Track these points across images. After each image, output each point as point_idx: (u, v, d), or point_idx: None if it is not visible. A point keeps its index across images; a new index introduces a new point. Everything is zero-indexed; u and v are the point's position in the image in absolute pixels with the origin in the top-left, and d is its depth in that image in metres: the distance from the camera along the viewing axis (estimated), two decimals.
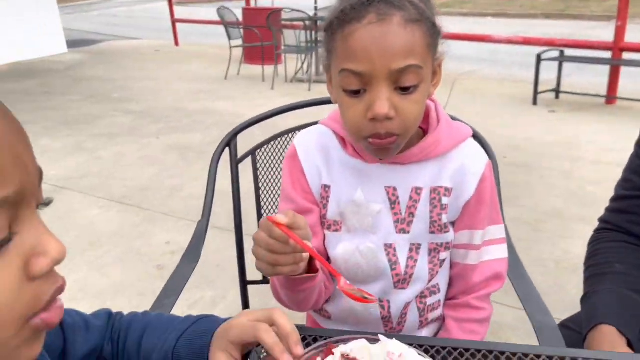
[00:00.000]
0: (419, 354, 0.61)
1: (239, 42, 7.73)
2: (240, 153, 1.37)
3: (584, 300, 1.08)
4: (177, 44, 10.78)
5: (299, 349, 0.62)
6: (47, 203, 0.44)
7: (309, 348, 0.64)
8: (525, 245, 2.62)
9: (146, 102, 6.02)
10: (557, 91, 5.79)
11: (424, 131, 0.99)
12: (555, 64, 5.70)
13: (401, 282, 1.00)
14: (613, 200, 1.16)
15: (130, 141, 4.71)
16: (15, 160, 0.39)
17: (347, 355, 0.61)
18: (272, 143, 1.39)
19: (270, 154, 1.39)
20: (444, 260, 1.02)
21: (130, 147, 4.56)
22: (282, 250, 0.75)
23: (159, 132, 4.95)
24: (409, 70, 0.81)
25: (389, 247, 0.99)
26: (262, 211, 1.39)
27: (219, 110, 5.72)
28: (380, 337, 0.62)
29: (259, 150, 1.38)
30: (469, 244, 1.01)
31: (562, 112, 5.29)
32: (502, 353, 0.76)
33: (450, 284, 1.06)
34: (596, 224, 1.19)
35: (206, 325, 0.70)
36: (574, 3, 15.09)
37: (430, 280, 1.01)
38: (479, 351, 0.77)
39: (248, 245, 1.33)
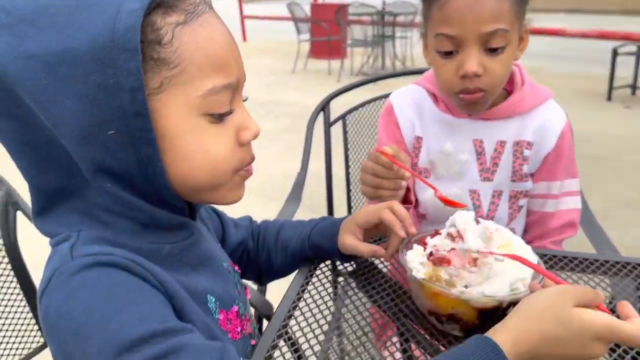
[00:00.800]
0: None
1: (307, 36, 7.96)
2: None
3: None
4: (244, 39, 11.19)
5: (413, 229, 0.77)
6: (245, 99, 0.61)
7: (419, 232, 0.79)
8: None
9: None
10: (633, 87, 5.61)
11: (508, 92, 1.11)
12: (632, 60, 5.52)
13: None
14: None
15: None
16: (236, 59, 0.58)
17: (452, 234, 0.74)
18: (360, 109, 1.55)
19: (359, 120, 1.56)
20: (521, 207, 1.13)
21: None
22: (385, 175, 0.90)
23: None
24: (497, 34, 0.93)
25: (473, 193, 1.11)
26: (349, 169, 1.55)
27: (288, 101, 5.94)
28: (479, 219, 0.75)
29: (348, 115, 1.54)
30: (547, 194, 1.12)
31: (638, 108, 5.13)
32: (575, 258, 0.88)
33: (526, 230, 1.17)
34: None
35: (334, 221, 0.86)
36: None
37: (509, 224, 1.13)
38: (554, 256, 0.89)
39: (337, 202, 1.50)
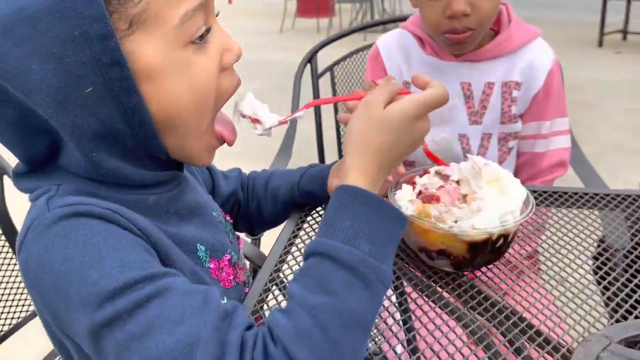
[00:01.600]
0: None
1: None
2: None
3: None
4: (230, 1, 10.92)
5: (402, 168, 0.76)
6: (217, 14, 0.59)
7: (407, 172, 0.78)
8: None
9: None
10: (624, 32, 5.56)
11: (495, 32, 1.09)
12: (623, 6, 5.44)
13: None
14: None
15: None
16: None
17: (440, 172, 0.74)
18: (348, 60, 1.53)
19: (346, 70, 1.53)
20: (511, 149, 1.12)
21: None
22: None
23: None
24: None
25: (462, 137, 1.10)
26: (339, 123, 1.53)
27: (276, 61, 5.85)
28: (468, 155, 0.75)
29: (336, 66, 1.52)
30: (536, 134, 1.11)
31: (629, 53, 5.10)
32: (565, 193, 0.89)
33: (517, 171, 1.17)
34: None
35: (323, 166, 0.85)
36: None
37: (500, 164, 1.12)
38: (544, 192, 0.90)
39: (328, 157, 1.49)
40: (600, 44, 5.39)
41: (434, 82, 0.62)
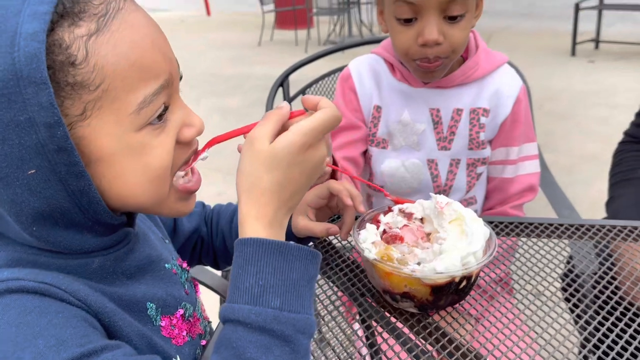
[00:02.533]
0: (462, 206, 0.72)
1: (271, 7, 7.78)
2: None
3: (608, 204, 1.17)
4: (208, 13, 10.90)
5: (362, 208, 0.76)
6: (180, 77, 0.57)
7: (371, 210, 0.78)
8: (561, 186, 2.69)
9: (184, 70, 6.09)
10: (596, 41, 5.67)
11: (463, 59, 1.09)
12: (596, 14, 5.56)
13: (441, 193, 1.12)
14: (639, 114, 1.22)
15: None
16: (163, 56, 0.52)
17: (404, 210, 0.74)
18: (321, 82, 1.53)
19: (319, 93, 1.53)
20: (480, 174, 1.13)
21: None
22: None
23: (199, 97, 5.12)
24: (457, 1, 0.91)
25: (431, 162, 1.11)
26: None
27: (255, 74, 5.84)
28: (431, 194, 0.74)
29: (308, 89, 1.51)
30: (505, 160, 1.12)
31: (602, 62, 5.20)
32: (531, 224, 0.89)
33: (487, 196, 1.17)
34: None
35: None
36: None
37: (467, 192, 1.13)
38: (511, 223, 0.90)
39: None
40: (573, 52, 5.49)
41: (324, 102, 0.57)
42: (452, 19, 0.93)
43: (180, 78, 0.57)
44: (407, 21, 0.95)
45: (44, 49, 0.43)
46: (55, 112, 0.44)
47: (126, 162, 0.50)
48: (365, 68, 1.14)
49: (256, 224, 0.53)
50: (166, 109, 0.52)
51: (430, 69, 0.99)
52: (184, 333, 0.64)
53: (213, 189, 3.12)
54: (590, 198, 2.68)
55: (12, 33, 0.42)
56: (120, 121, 0.48)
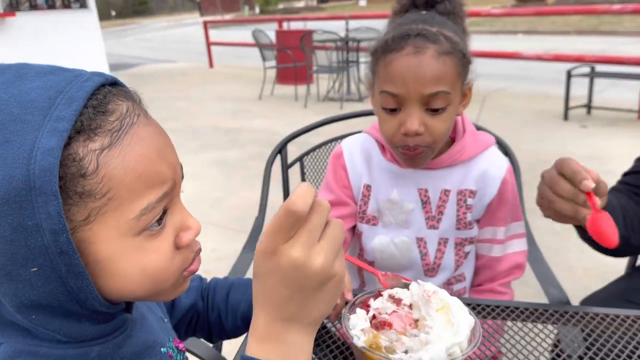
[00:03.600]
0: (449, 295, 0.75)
1: (273, 63, 8.03)
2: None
3: None
4: (211, 65, 11.22)
5: (349, 295, 0.78)
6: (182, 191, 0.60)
7: (362, 293, 0.80)
8: (553, 252, 2.69)
9: (185, 121, 6.33)
10: (588, 106, 5.83)
11: (452, 140, 1.15)
12: (587, 80, 5.74)
13: (430, 270, 1.15)
14: (625, 174, 1.20)
15: None
16: (169, 165, 0.55)
17: (393, 296, 0.76)
18: (318, 150, 1.58)
19: (315, 161, 1.58)
20: (468, 253, 1.16)
21: None
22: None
23: (199, 149, 5.21)
24: (438, 96, 0.97)
25: (420, 241, 1.14)
26: None
27: (255, 128, 5.96)
28: (419, 280, 0.77)
29: (306, 157, 1.57)
30: (492, 239, 1.15)
31: (594, 127, 5.33)
32: (517, 308, 0.91)
33: (476, 273, 1.20)
34: None
35: None
36: (607, 19, 14.98)
37: (456, 270, 1.16)
38: (498, 307, 0.92)
39: None
40: (566, 117, 5.64)
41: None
42: (434, 111, 0.98)
43: (182, 178, 0.60)
44: (392, 110, 1.01)
45: (58, 164, 0.46)
46: (61, 220, 0.46)
47: (123, 264, 0.53)
48: (357, 147, 1.19)
49: (250, 339, 0.54)
50: (165, 212, 0.55)
51: (411, 156, 1.03)
52: None
53: (208, 245, 3.13)
54: (584, 266, 2.69)
55: (30, 147, 0.45)
56: (120, 226, 0.51)
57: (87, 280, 0.50)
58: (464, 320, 0.71)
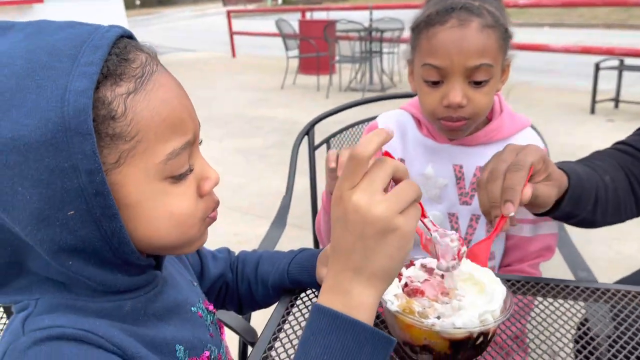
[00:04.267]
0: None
1: (295, 52, 8.03)
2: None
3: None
4: (234, 55, 11.26)
5: None
6: (200, 141, 0.63)
7: None
8: (577, 245, 2.67)
9: (208, 109, 6.38)
10: (616, 100, 5.71)
11: (488, 119, 1.15)
12: (616, 74, 5.63)
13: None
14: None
15: None
16: (189, 115, 0.58)
17: (425, 265, 0.77)
18: (344, 133, 1.59)
19: (343, 144, 1.59)
20: None
21: None
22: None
23: (222, 137, 5.25)
24: (481, 68, 0.98)
25: (452, 216, 1.14)
26: None
27: (277, 117, 5.98)
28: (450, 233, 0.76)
29: (333, 139, 1.57)
30: (523, 219, 1.15)
31: (621, 122, 5.23)
32: (547, 284, 0.91)
33: (505, 254, 1.20)
34: None
35: (312, 252, 0.88)
36: (636, 12, 14.60)
37: None
38: (528, 282, 0.92)
39: None
40: (593, 111, 5.54)
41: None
42: (477, 83, 0.99)
43: (200, 142, 0.62)
44: (435, 83, 1.01)
45: (91, 104, 0.48)
46: (96, 159, 0.48)
47: (152, 208, 0.55)
48: (392, 121, 1.20)
49: (322, 288, 0.55)
50: (190, 171, 0.58)
51: (454, 128, 1.04)
52: None
53: (230, 229, 3.17)
54: (608, 259, 2.66)
55: (62, 90, 0.47)
56: (147, 169, 0.53)
57: (119, 223, 0.52)
58: (498, 289, 0.71)
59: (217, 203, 0.64)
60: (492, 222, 0.85)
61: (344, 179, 0.52)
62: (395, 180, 0.56)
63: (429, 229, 0.68)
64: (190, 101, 0.60)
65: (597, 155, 1.09)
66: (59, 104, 0.47)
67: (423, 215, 0.74)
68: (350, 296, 0.52)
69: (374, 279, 0.53)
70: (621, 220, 1.05)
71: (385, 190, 0.53)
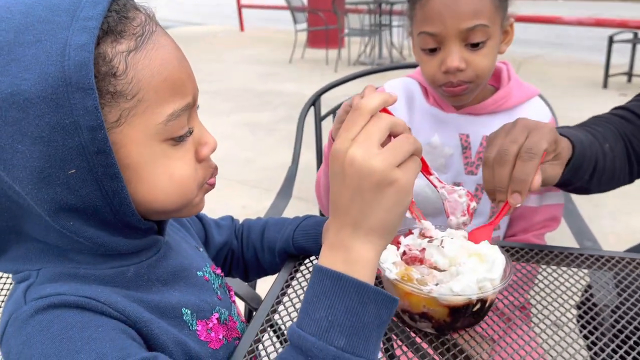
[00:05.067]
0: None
1: (304, 26, 7.94)
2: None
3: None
4: (242, 29, 11.15)
5: None
6: (197, 106, 0.62)
7: None
8: (586, 219, 2.66)
9: (217, 83, 6.36)
10: (629, 74, 5.62)
11: (496, 88, 1.13)
12: (629, 47, 5.51)
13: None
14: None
15: (203, 119, 4.99)
16: (189, 77, 0.58)
17: (424, 233, 0.77)
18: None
19: None
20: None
21: (204, 124, 4.86)
22: None
23: (230, 111, 5.24)
24: (476, 29, 0.96)
25: (457, 185, 1.14)
26: None
27: (285, 91, 5.95)
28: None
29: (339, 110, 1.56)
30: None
31: (634, 95, 5.14)
32: (551, 251, 0.92)
33: (510, 224, 1.20)
34: None
35: (317, 219, 0.88)
36: None
37: (490, 217, 1.15)
38: (532, 250, 0.92)
39: None
40: (605, 85, 5.45)
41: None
42: (474, 45, 0.98)
43: (198, 107, 0.62)
44: (432, 51, 1.01)
45: (92, 58, 0.47)
46: (98, 115, 0.48)
47: (152, 169, 0.55)
48: (399, 90, 1.19)
49: (323, 247, 0.54)
50: (190, 133, 0.58)
51: (456, 92, 1.03)
52: (221, 336, 0.68)
53: (238, 201, 3.19)
54: (616, 233, 2.65)
55: (62, 44, 0.46)
56: (148, 130, 0.53)
57: (121, 182, 0.52)
58: (499, 258, 0.71)
59: (215, 169, 0.64)
60: (495, 203, 0.84)
61: (343, 129, 0.53)
62: (395, 136, 0.55)
63: (435, 186, 0.68)
64: (188, 64, 0.59)
65: (597, 120, 1.08)
66: (59, 58, 0.46)
67: (428, 172, 0.75)
68: (350, 252, 0.52)
69: (372, 234, 0.52)
70: (613, 187, 1.04)
71: (385, 145, 0.53)
